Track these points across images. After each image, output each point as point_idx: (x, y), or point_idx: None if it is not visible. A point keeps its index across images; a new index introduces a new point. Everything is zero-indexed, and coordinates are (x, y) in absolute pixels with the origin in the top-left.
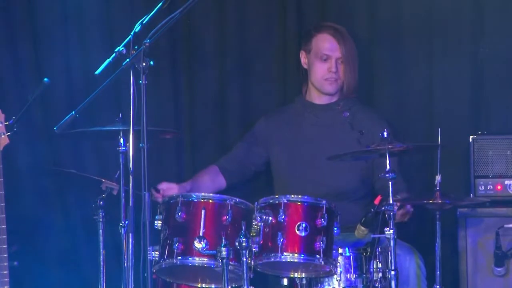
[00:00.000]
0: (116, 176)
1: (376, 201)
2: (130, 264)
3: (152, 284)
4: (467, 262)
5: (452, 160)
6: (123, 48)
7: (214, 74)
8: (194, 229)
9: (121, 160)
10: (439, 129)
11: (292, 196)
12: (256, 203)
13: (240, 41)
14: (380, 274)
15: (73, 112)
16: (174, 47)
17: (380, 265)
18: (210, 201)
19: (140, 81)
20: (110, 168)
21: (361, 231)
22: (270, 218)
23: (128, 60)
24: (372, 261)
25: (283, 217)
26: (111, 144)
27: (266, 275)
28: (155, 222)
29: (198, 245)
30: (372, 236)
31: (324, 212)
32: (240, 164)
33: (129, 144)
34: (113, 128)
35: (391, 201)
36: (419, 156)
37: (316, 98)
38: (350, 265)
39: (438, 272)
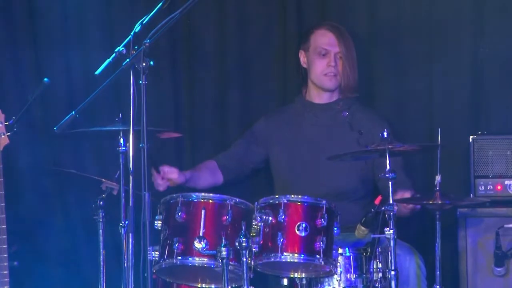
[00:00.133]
0: (116, 176)
1: (376, 201)
2: (130, 264)
3: (152, 284)
4: (467, 262)
5: (452, 160)
6: (123, 48)
7: (214, 74)
8: (194, 229)
9: (121, 160)
10: (439, 129)
11: (292, 196)
12: (256, 203)
13: (240, 41)
14: (380, 274)
15: (73, 112)
16: (174, 47)
17: (380, 265)
18: (210, 201)
19: (140, 81)
20: (110, 168)
21: (361, 231)
22: (270, 218)
23: (128, 60)
24: (372, 261)
25: (283, 217)
26: (111, 144)
27: (266, 275)
28: (155, 222)
29: (198, 245)
30: (372, 236)
31: (324, 212)
32: (238, 161)
33: (129, 144)
34: (113, 128)
35: (391, 201)
36: (419, 156)
37: (316, 97)
38: (350, 265)
39: (438, 272)
